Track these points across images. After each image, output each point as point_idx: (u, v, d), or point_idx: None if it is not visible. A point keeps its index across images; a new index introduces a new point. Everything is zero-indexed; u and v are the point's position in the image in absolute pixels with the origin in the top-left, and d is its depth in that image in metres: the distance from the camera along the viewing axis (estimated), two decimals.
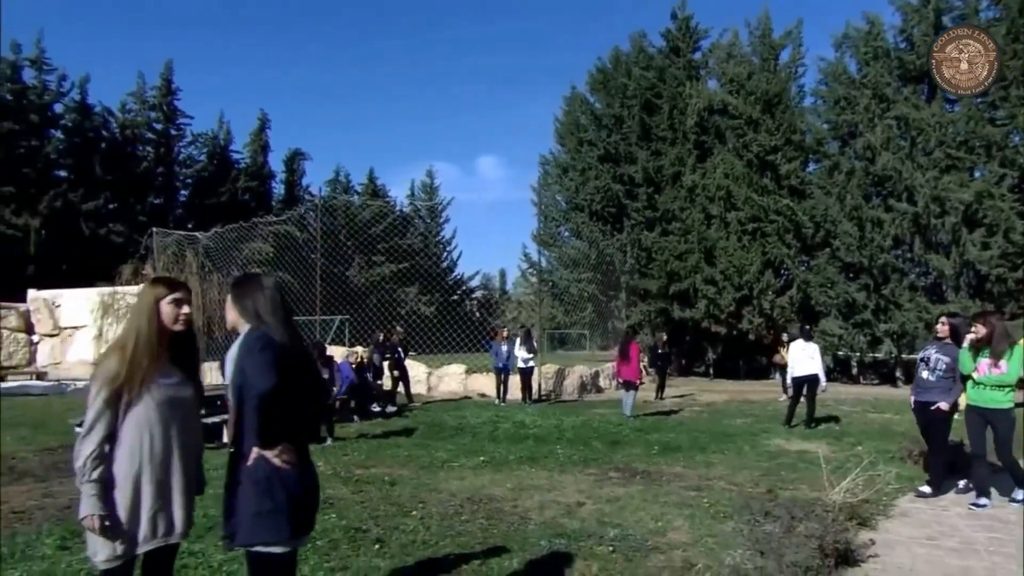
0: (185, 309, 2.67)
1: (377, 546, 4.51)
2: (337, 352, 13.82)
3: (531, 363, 14.20)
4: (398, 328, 15.82)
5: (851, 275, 21.59)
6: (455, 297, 39.09)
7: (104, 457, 2.49)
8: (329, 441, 8.89)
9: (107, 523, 2.45)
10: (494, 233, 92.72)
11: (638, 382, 12.24)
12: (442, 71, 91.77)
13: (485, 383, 16.16)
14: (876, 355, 22.27)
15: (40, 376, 18.44)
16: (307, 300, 18.32)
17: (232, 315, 2.54)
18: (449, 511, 5.51)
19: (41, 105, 26.51)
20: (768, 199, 22.39)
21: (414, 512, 5.42)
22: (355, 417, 11.42)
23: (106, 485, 2.49)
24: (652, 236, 24.55)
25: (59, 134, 27.46)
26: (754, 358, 24.72)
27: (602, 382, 18.76)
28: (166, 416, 2.59)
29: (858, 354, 22.44)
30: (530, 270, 29.65)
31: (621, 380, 12.24)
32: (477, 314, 35.99)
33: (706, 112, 24.07)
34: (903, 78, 21.54)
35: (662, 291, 24.26)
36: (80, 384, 17.36)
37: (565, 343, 36.27)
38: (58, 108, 27.63)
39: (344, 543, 4.57)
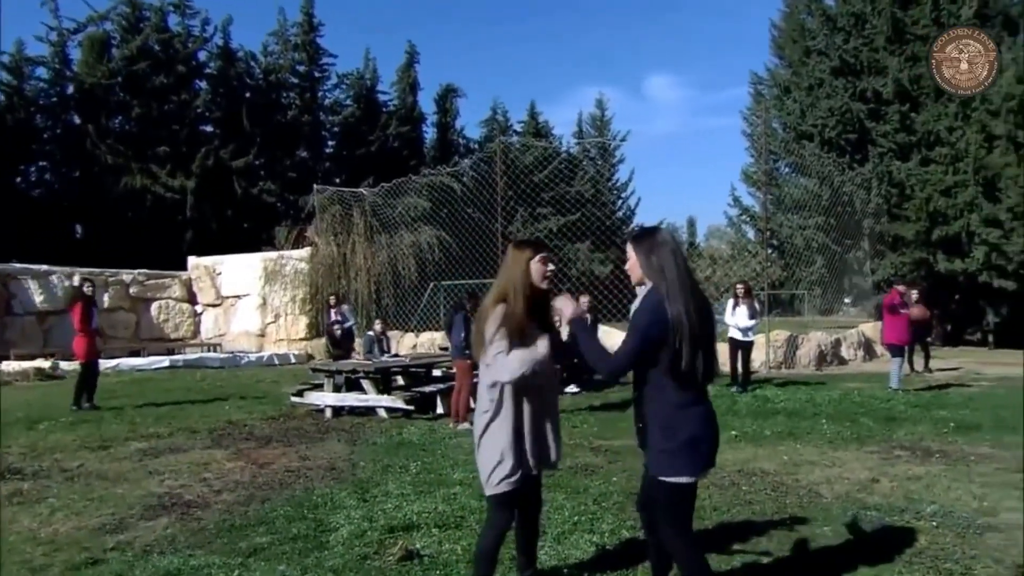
0: (551, 266, 3.54)
1: None
2: None
3: (750, 334, 12.65)
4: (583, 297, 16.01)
5: None
6: None
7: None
8: None
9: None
10: (676, 173, 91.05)
11: (904, 345, 12.36)
12: None
13: None
14: None
15: (214, 348, 21.37)
16: (467, 261, 19.47)
17: (637, 272, 3.26)
18: (724, 482, 6.19)
19: (187, 54, 29.99)
20: None
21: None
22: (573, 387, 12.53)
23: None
24: (907, 167, 23.50)
25: (205, 85, 30.95)
26: None
27: (845, 352, 18.58)
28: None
29: None
30: (742, 216, 29.34)
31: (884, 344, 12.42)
32: None
33: None
34: None
35: (921, 237, 23.26)
36: (252, 357, 19.97)
37: (778, 305, 35.37)
38: (202, 56, 31.14)
39: (629, 505, 5.37)
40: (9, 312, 18.97)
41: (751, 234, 31.25)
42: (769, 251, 28.28)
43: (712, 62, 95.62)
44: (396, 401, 9.81)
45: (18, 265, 19.56)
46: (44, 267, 19.73)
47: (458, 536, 4.64)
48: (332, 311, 15.38)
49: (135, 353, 19.44)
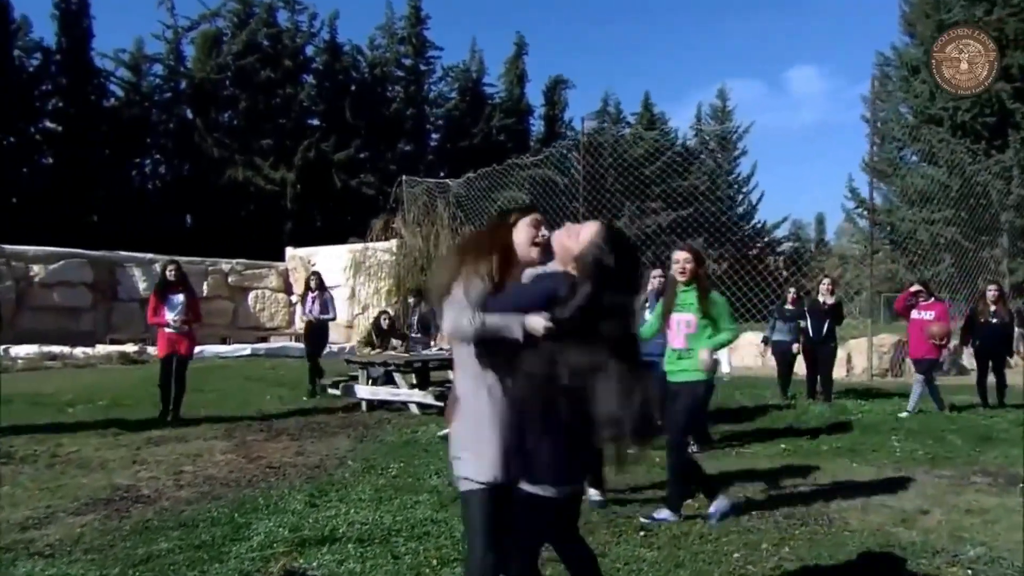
0: (543, 231, 2.76)
1: (641, 534, 4.56)
2: None
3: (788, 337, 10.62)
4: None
5: None
6: (754, 251, 37.68)
7: None
8: None
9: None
10: (812, 167, 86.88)
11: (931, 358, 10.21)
12: None
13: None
14: None
15: (300, 338, 21.66)
16: None
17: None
18: (735, 503, 5.37)
19: (294, 49, 30.82)
20: None
21: (689, 501, 5.36)
22: None
23: None
24: None
25: (311, 79, 31.72)
26: None
27: (966, 360, 16.84)
28: None
29: None
30: (858, 210, 27.39)
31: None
32: (784, 272, 34.49)
33: None
34: None
35: None
36: (335, 348, 20.02)
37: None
38: (309, 51, 31.91)
39: (602, 527, 4.70)
40: (115, 298, 19.84)
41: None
42: (891, 248, 26.27)
43: (849, 52, 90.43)
44: (426, 397, 9.34)
45: (124, 253, 20.47)
46: (148, 255, 20.55)
47: (371, 555, 4.08)
48: (310, 296, 12.21)
49: (223, 340, 19.92)
